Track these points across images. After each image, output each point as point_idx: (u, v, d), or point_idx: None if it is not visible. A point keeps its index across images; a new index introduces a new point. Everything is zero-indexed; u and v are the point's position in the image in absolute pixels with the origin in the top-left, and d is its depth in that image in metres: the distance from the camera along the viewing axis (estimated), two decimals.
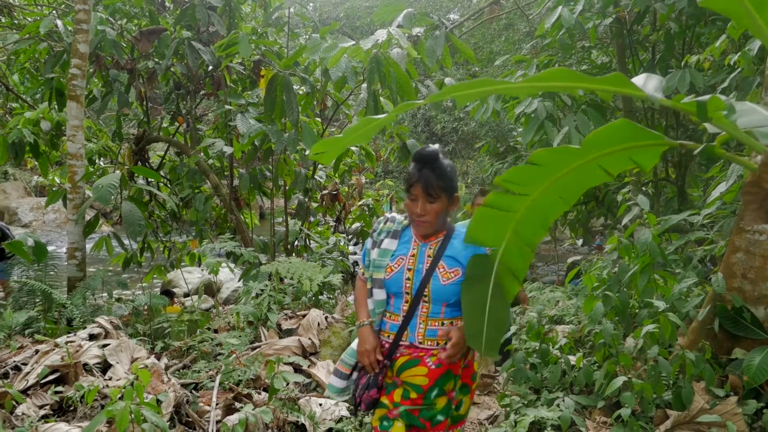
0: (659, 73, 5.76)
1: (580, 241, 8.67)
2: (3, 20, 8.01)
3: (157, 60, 5.65)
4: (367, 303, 1.98)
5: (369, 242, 2.04)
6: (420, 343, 1.89)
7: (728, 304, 2.95)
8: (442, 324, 1.87)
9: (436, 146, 1.86)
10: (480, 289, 1.65)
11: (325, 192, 6.39)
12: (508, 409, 3.07)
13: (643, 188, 6.29)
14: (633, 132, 1.15)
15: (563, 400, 2.94)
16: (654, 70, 5.91)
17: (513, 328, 3.36)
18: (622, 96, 5.45)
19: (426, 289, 1.85)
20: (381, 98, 4.66)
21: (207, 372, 3.25)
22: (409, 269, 1.89)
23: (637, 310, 3.25)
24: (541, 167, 1.26)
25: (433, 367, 1.86)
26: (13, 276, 4.15)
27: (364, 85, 4.53)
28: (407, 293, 1.89)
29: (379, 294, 1.94)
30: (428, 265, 1.87)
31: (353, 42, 4.15)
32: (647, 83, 1.11)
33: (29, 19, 7.36)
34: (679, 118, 6.41)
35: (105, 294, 4.38)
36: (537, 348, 3.37)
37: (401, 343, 1.91)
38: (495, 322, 1.65)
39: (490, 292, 1.63)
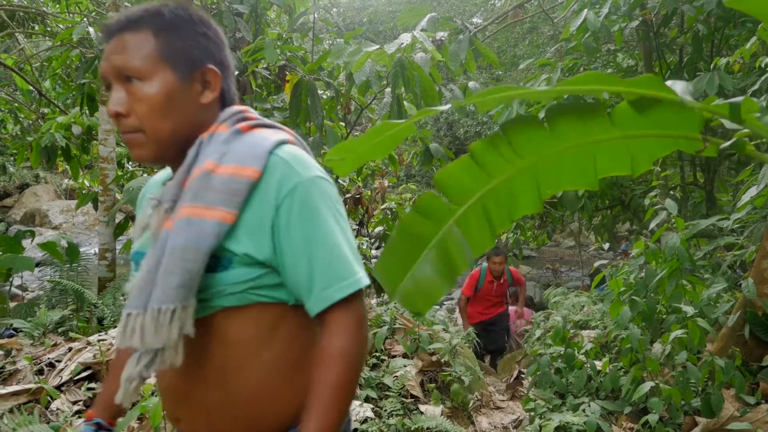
0: (687, 76, 5.68)
1: (606, 246, 8.57)
2: (36, 28, 8.25)
3: None
4: None
5: None
6: None
7: (759, 310, 2.90)
8: None
9: None
10: (420, 238, 1.20)
11: (348, 196, 6.42)
12: (532, 413, 3.06)
13: (671, 192, 6.20)
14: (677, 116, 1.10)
15: (589, 405, 2.92)
16: (682, 73, 5.82)
17: (537, 333, 3.35)
18: None
19: None
20: (405, 102, 4.68)
21: None
22: None
23: (664, 316, 3.21)
24: (554, 133, 1.11)
25: None
26: (46, 276, 4.28)
27: (388, 89, 4.55)
28: None
29: None
30: None
31: (377, 46, 4.17)
32: (674, 87, 1.11)
33: (62, 26, 7.57)
34: (705, 123, 6.30)
35: None
36: (562, 353, 3.35)
37: None
38: (418, 282, 1.21)
39: (427, 249, 1.20)
